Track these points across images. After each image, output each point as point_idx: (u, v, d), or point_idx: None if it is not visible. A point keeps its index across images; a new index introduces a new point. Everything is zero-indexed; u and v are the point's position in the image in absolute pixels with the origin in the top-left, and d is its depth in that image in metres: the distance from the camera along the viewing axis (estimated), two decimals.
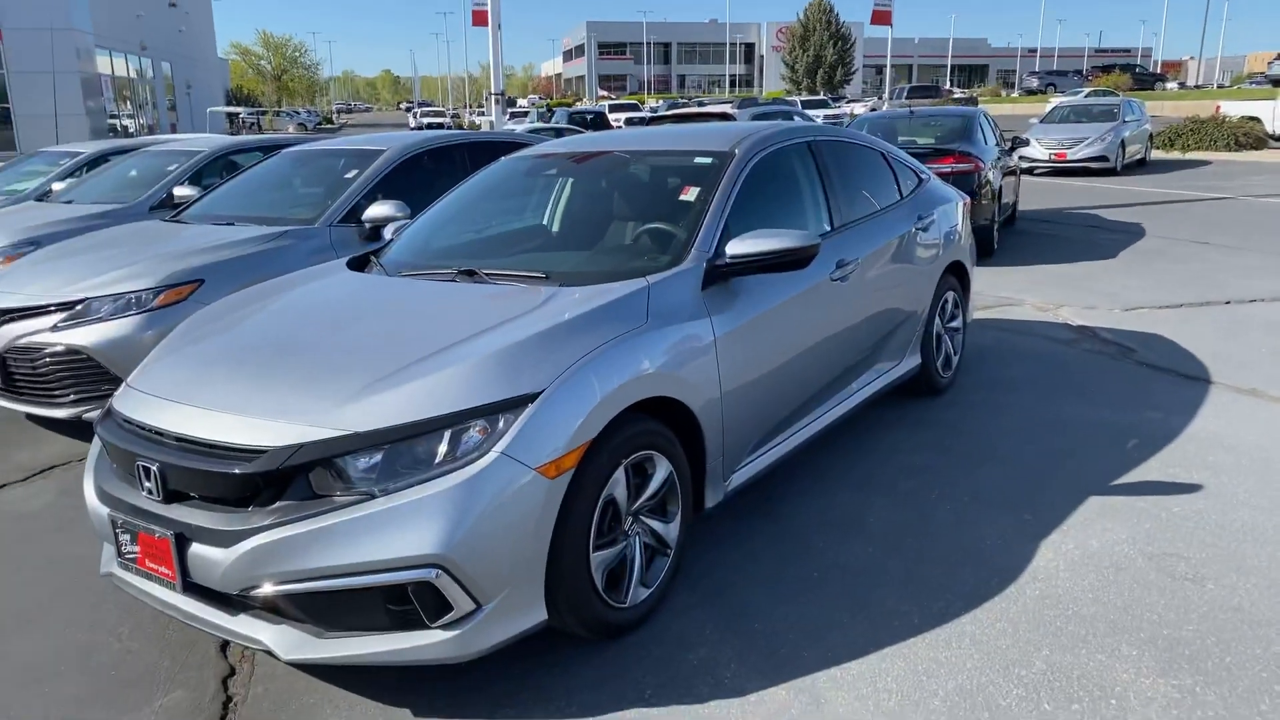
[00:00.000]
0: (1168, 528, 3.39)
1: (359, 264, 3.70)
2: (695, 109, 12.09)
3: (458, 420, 2.36)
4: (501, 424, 2.38)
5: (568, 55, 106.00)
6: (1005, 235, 10.67)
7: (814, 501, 3.73)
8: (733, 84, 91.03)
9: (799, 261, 3.20)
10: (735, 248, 3.16)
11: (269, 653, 2.37)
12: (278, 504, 2.33)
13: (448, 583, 2.28)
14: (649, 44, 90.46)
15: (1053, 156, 17.72)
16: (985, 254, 9.30)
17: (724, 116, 11.71)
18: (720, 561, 3.26)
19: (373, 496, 2.29)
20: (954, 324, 5.12)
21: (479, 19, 28.76)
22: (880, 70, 66.49)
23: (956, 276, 5.12)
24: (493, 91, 13.30)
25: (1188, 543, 3.27)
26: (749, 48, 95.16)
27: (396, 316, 2.94)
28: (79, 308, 4.59)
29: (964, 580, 3.08)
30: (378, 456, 2.33)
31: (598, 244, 3.61)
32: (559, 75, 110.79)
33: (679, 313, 2.98)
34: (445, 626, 2.33)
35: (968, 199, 5.47)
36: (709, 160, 3.64)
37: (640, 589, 2.82)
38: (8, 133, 27.08)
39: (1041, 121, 19.36)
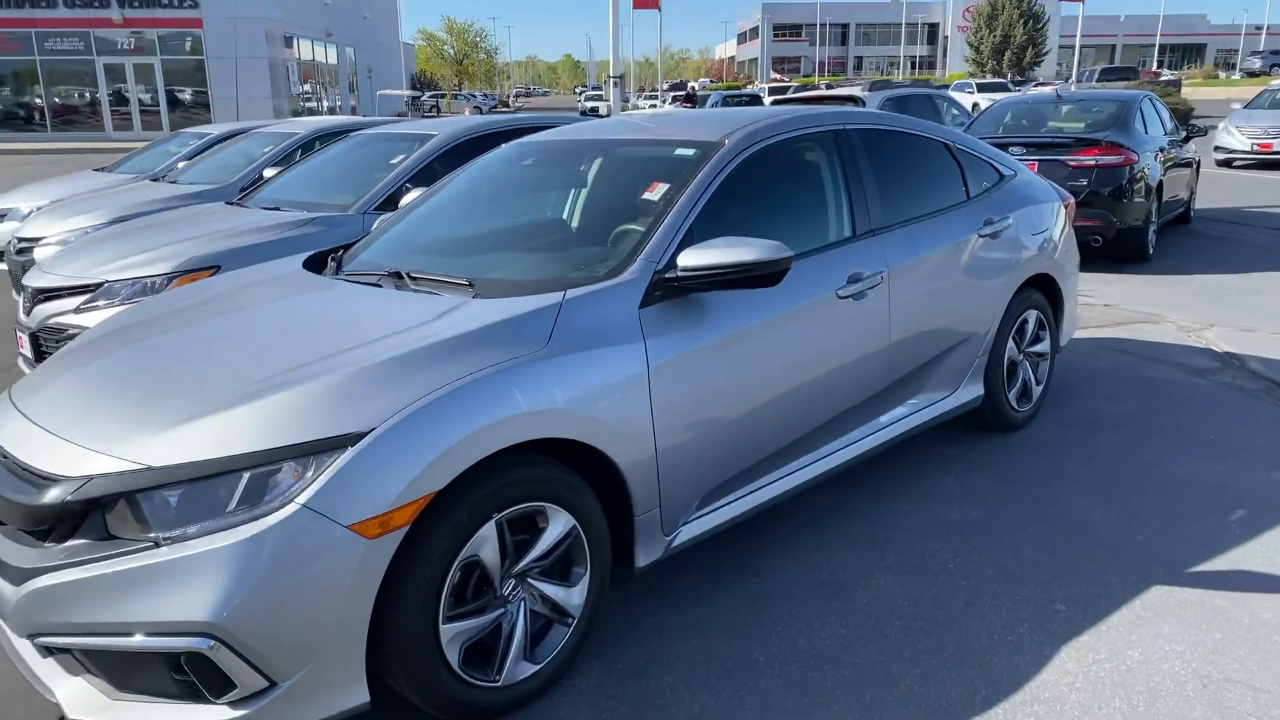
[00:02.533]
0: (1244, 642, 2.60)
1: (319, 261, 3.41)
2: (819, 92, 11.25)
3: (261, 461, 1.99)
4: (312, 470, 2.00)
5: (741, 38, 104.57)
6: (1172, 237, 9.33)
7: (804, 559, 3.14)
8: (913, 66, 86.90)
9: (766, 278, 2.64)
10: (688, 259, 2.64)
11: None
12: (70, 543, 2.05)
13: (226, 656, 1.92)
14: (824, 25, 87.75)
15: (1256, 147, 15.58)
16: (1138, 260, 8.13)
17: (851, 100, 10.86)
18: (659, 628, 2.76)
19: (156, 545, 1.96)
20: (1037, 349, 4.32)
21: (641, 2, 28.64)
22: (1083, 50, 61.58)
23: (1044, 292, 4.31)
24: (611, 75, 12.95)
25: (1265, 667, 2.48)
26: (932, 28, 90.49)
27: (284, 330, 2.61)
28: (100, 290, 4.59)
29: (944, 688, 2.44)
30: (174, 498, 2.00)
31: (541, 247, 3.15)
32: (732, 58, 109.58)
33: (601, 335, 2.49)
34: (233, 704, 1.98)
35: (1070, 200, 4.61)
36: (691, 152, 3.10)
37: (523, 665, 2.38)
38: (205, 115, 29.30)
39: (1246, 107, 17.05)
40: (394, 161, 5.55)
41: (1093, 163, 7.74)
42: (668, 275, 2.66)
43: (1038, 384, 4.35)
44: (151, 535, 1.97)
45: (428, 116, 50.11)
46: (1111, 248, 7.98)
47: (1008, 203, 4.07)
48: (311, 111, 33.63)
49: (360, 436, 2.03)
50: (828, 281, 3.11)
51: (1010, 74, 57.82)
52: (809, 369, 3.04)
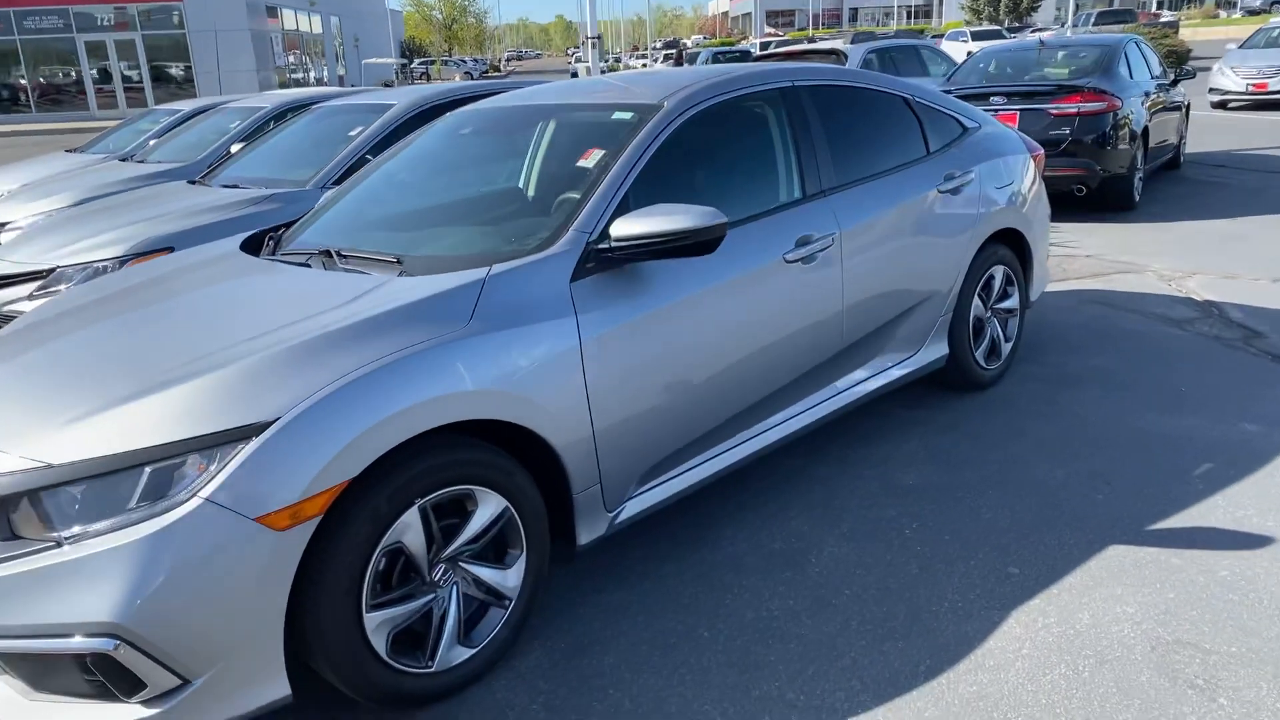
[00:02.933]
0: (1198, 601, 2.55)
1: (258, 241, 3.33)
2: (802, 47, 11.01)
3: (163, 455, 1.93)
4: (216, 462, 1.94)
5: None
6: (1160, 184, 9.18)
7: (759, 527, 3.09)
8: (909, 16, 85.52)
9: (702, 245, 2.55)
10: (620, 228, 2.55)
11: None
12: None
13: (132, 655, 1.88)
14: None
15: (1250, 87, 15.33)
16: (1123, 208, 8.00)
17: (834, 54, 10.64)
18: (606, 606, 2.71)
19: (59, 545, 1.91)
20: (1005, 305, 4.23)
21: None
22: None
23: (1011, 247, 4.21)
24: (588, 35, 12.70)
25: (1217, 627, 2.43)
26: None
27: (202, 316, 2.52)
28: (52, 275, 4.51)
29: (888, 659, 2.40)
30: (76, 495, 1.94)
31: (477, 220, 3.06)
32: (725, 14, 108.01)
33: (529, 311, 2.41)
34: (145, 703, 1.94)
35: (1039, 152, 4.49)
36: (628, 116, 3.00)
37: (458, 649, 2.34)
38: (190, 91, 28.95)
39: (1241, 47, 16.74)
40: (352, 134, 5.43)
41: (1075, 110, 7.58)
42: (601, 246, 2.58)
43: (1007, 341, 4.27)
44: (54, 535, 1.92)
45: (416, 84, 49.34)
46: (1096, 197, 7.85)
47: (971, 156, 3.96)
48: (298, 83, 33.21)
49: (265, 426, 1.97)
50: (774, 246, 3.03)
51: (1007, 21, 56.94)
52: (756, 336, 2.96)
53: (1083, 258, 6.59)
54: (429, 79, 55.01)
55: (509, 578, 2.42)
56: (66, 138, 21.21)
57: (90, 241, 4.61)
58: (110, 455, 1.93)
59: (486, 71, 64.68)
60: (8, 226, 6.47)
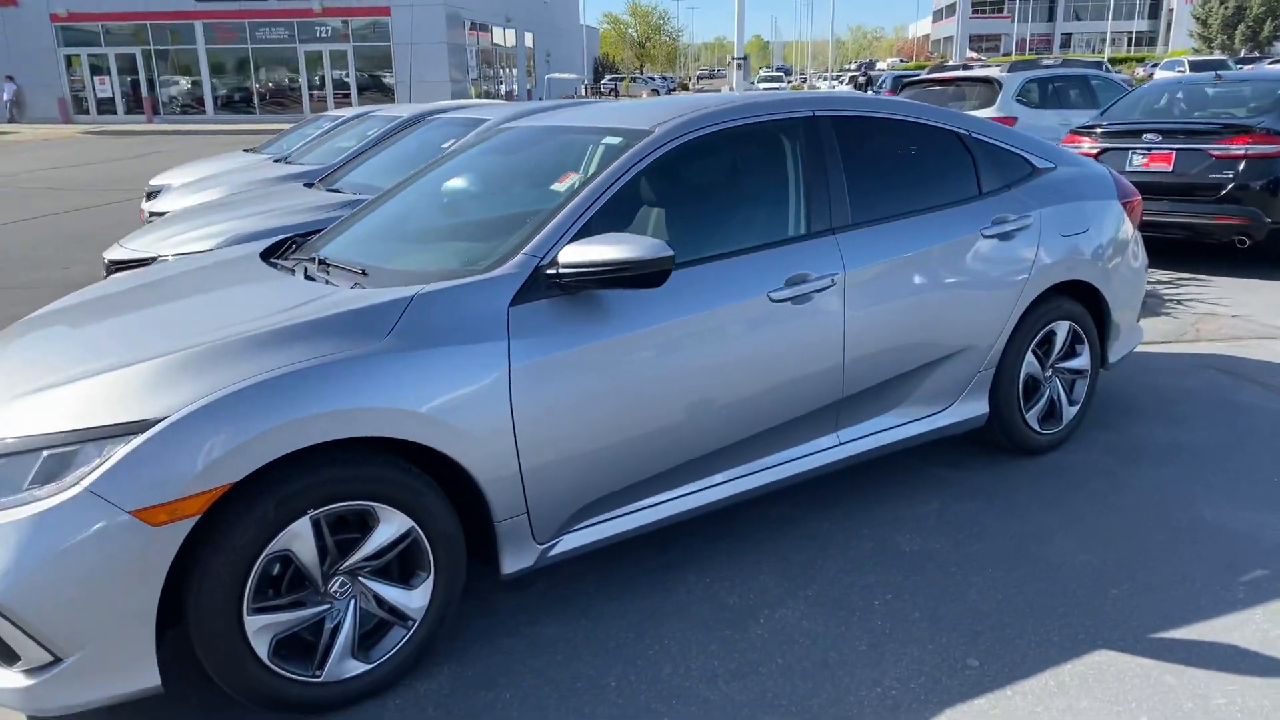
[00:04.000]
0: None
1: (282, 246, 3.49)
2: (952, 74, 10.41)
3: (60, 442, 2.05)
4: (103, 454, 2.03)
5: (937, 15, 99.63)
6: None
7: (723, 576, 2.93)
8: (1131, 42, 79.79)
9: (646, 278, 2.47)
10: (569, 255, 2.50)
11: None
12: None
13: (7, 628, 2.00)
14: None
15: None
16: None
17: (985, 81, 10.05)
18: (533, 638, 2.65)
19: None
20: (1071, 364, 3.83)
21: None
22: None
23: (1084, 301, 3.81)
24: (735, 56, 12.56)
25: None
26: (1154, 0, 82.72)
27: (169, 316, 2.60)
28: (154, 264, 4.93)
29: None
30: None
31: (459, 236, 3.05)
32: (926, 36, 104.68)
33: (459, 332, 2.40)
34: (26, 673, 2.06)
35: (1135, 197, 4.04)
36: (616, 141, 2.94)
37: (351, 662, 2.34)
38: (391, 98, 31.10)
39: None
40: (444, 146, 5.64)
41: (1242, 152, 6.80)
42: (550, 272, 2.53)
43: (1072, 404, 3.86)
44: None
45: (604, 99, 50.80)
46: (1260, 250, 7.00)
47: (1035, 199, 3.62)
48: (487, 94, 35.01)
49: (152, 424, 2.05)
50: (758, 283, 2.87)
51: (1244, 49, 52.07)
52: (728, 377, 2.81)
53: (1226, 318, 5.88)
54: (617, 95, 56.57)
55: (413, 598, 2.41)
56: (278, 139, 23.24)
57: (192, 234, 5.01)
58: (16, 438, 2.07)
59: (674, 89, 65.74)
60: (165, 217, 7.16)
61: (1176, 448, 3.85)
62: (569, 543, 2.66)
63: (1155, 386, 4.61)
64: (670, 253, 2.46)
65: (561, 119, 3.46)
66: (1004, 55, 73.83)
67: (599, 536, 2.71)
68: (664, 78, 65.24)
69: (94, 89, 32.39)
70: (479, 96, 34.29)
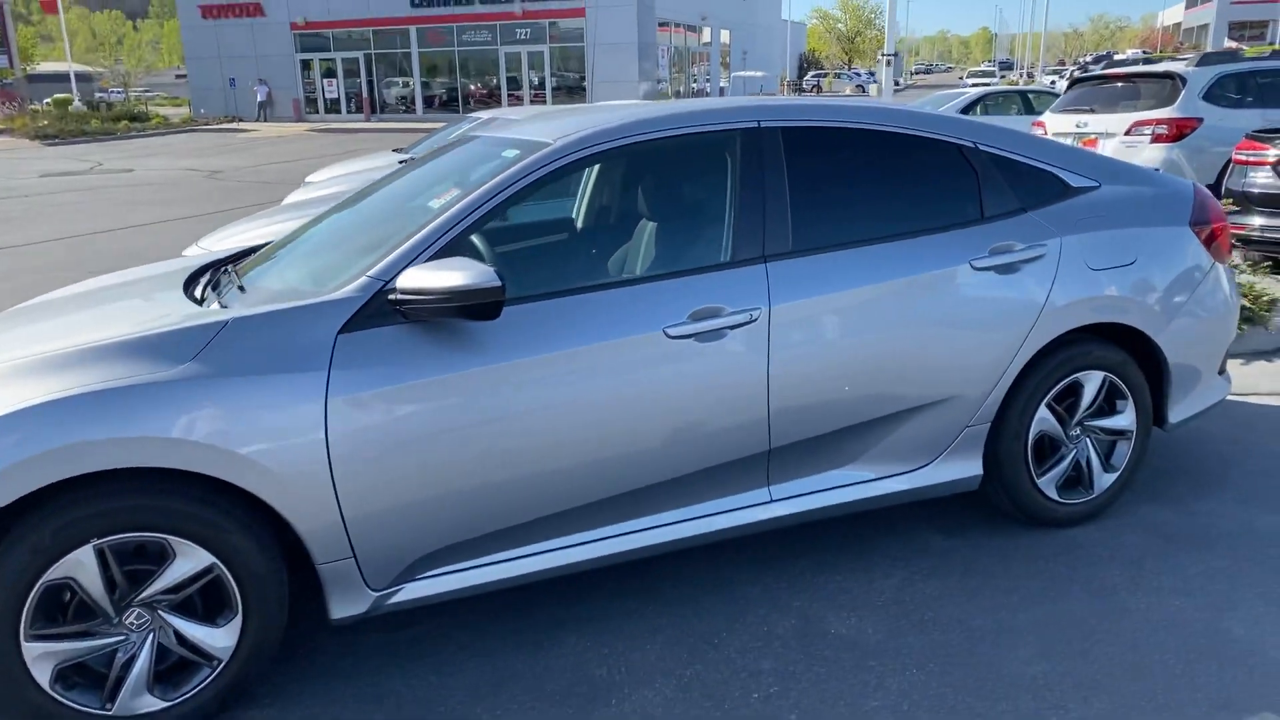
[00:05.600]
0: None
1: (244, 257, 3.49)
2: (1128, 69, 9.09)
3: None
4: None
5: (1191, 1, 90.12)
6: None
7: (599, 645, 2.63)
8: None
9: (477, 309, 2.23)
10: (407, 279, 2.30)
11: None
12: None
13: None
14: None
15: None
16: None
17: (1169, 76, 8.76)
18: (364, 693, 2.47)
19: None
20: (1106, 423, 3.17)
21: None
22: None
23: (1129, 348, 3.15)
24: (885, 53, 11.63)
25: None
26: None
27: (46, 330, 2.60)
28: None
29: None
30: None
31: (341, 255, 2.87)
32: (1177, 25, 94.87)
33: (274, 360, 2.25)
34: None
35: (1216, 224, 3.29)
36: (513, 154, 2.69)
37: (146, 698, 2.25)
38: (583, 98, 31.89)
39: None
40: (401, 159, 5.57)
41: None
42: (392, 297, 2.34)
43: (1108, 471, 3.21)
44: None
45: (804, 93, 49.41)
46: None
47: (1058, 224, 3.01)
48: (677, 94, 35.12)
49: None
50: (653, 316, 2.53)
51: None
52: (610, 422, 2.50)
53: None
54: (819, 92, 55.23)
55: (219, 637, 2.29)
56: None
57: (284, 226, 5.20)
58: None
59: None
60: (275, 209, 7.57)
61: (1244, 535, 3.11)
62: (415, 591, 2.46)
63: (1254, 451, 3.78)
64: (498, 283, 2.21)
65: (514, 130, 3.24)
66: (1268, 45, 65.66)
67: (455, 587, 2.49)
68: (870, 73, 63.05)
69: (323, 90, 35.38)
70: (671, 97, 34.46)
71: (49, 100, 39.39)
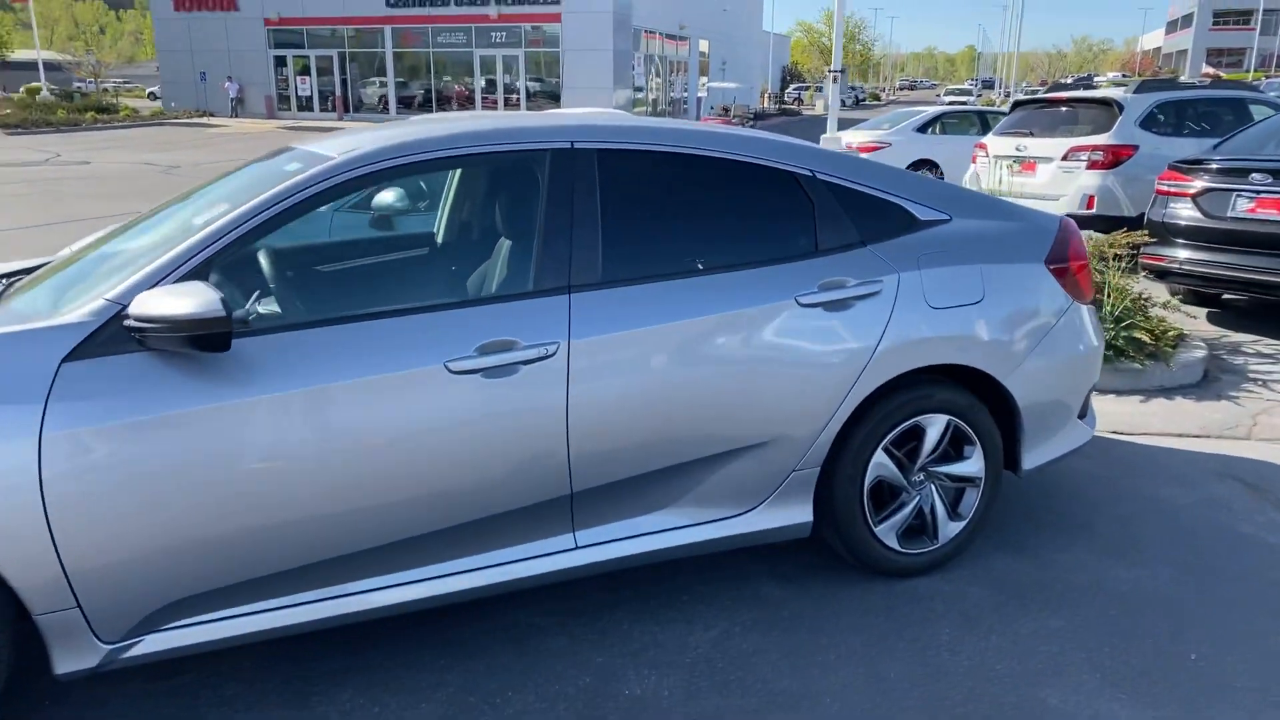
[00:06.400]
0: None
1: None
2: (1067, 95, 8.97)
3: None
4: None
5: (1171, 26, 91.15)
6: None
7: (378, 700, 2.43)
8: None
9: (200, 339, 2.04)
10: (140, 304, 2.10)
11: None
12: None
13: None
14: None
15: None
16: None
17: (1104, 103, 8.67)
18: None
19: None
20: (953, 469, 3.01)
21: None
22: None
23: (978, 390, 3.00)
24: (831, 69, 11.48)
25: None
26: None
27: None
28: None
29: None
30: None
31: (88, 276, 2.63)
32: (1158, 49, 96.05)
33: None
34: None
35: (1075, 262, 3.14)
36: (294, 168, 2.50)
37: None
38: (557, 105, 31.70)
39: None
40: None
41: None
42: (126, 324, 2.14)
43: (955, 520, 3.04)
44: None
45: (787, 108, 49.40)
46: None
47: (899, 259, 2.85)
48: (654, 103, 35.04)
49: None
50: (436, 349, 2.34)
51: None
52: (374, 462, 2.31)
53: None
54: (800, 104, 55.36)
55: None
56: None
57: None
58: None
59: (863, 100, 63.67)
60: None
61: (1091, 591, 2.95)
62: (157, 644, 2.25)
63: (1127, 496, 3.63)
64: (221, 313, 2.01)
65: (316, 144, 3.03)
66: (1244, 72, 66.54)
67: (205, 639, 2.28)
68: (852, 87, 63.33)
69: (296, 88, 35.02)
70: (644, 105, 34.36)
71: (23, 89, 38.82)
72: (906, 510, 2.97)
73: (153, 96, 47.47)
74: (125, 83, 65.27)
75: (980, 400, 2.99)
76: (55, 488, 2.06)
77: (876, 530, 2.93)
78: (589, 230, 2.56)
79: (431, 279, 2.51)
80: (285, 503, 2.25)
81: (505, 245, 2.53)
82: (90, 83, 47.78)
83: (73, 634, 2.17)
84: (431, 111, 32.99)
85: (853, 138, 13.75)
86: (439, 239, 2.60)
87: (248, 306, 2.30)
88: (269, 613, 2.34)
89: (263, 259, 2.60)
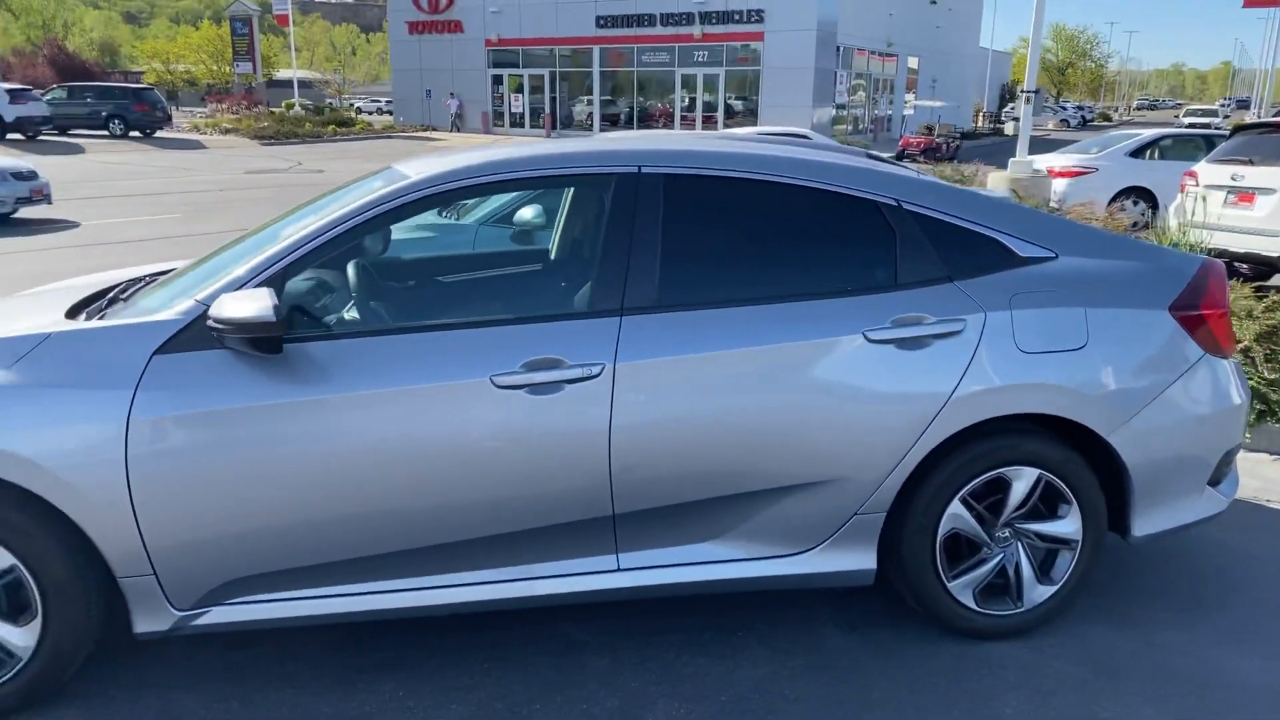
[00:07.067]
0: None
1: None
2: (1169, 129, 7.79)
3: None
4: None
5: None
6: None
7: (410, 697, 2.53)
8: None
9: (257, 341, 2.24)
10: (220, 305, 2.31)
11: None
12: None
13: None
14: None
15: None
16: None
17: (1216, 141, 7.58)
18: (168, 708, 2.50)
19: None
20: (1044, 528, 2.75)
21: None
22: None
23: (1077, 444, 2.73)
24: (1024, 89, 10.62)
25: None
26: None
27: None
28: None
29: None
30: None
31: (198, 277, 2.84)
32: None
33: (84, 376, 2.31)
34: None
35: (1211, 310, 2.80)
36: (377, 185, 2.65)
37: None
38: (752, 121, 31.71)
39: None
40: None
41: None
42: (208, 323, 2.36)
43: (1045, 583, 2.78)
44: None
45: (999, 128, 46.77)
46: None
47: (989, 298, 2.65)
48: (856, 120, 34.33)
49: None
50: (484, 363, 2.42)
51: None
52: (421, 466, 2.41)
53: None
54: (1015, 123, 52.28)
55: (19, 636, 2.37)
56: None
57: None
58: None
59: (1091, 120, 59.37)
60: None
61: (1205, 685, 2.61)
62: (222, 615, 2.46)
63: (1271, 573, 3.18)
64: (271, 319, 2.18)
65: (407, 165, 3.18)
66: None
67: (266, 616, 2.48)
68: (1079, 107, 59.19)
69: (510, 105, 37.07)
70: (845, 123, 33.73)
71: (284, 104, 43.42)
72: (986, 567, 2.75)
73: (379, 111, 51.60)
74: (372, 99, 71.51)
75: (1080, 455, 2.73)
76: (138, 466, 2.30)
77: (950, 586, 2.73)
78: (648, 254, 2.56)
79: (497, 296, 2.60)
80: (338, 497, 2.40)
81: (563, 265, 2.58)
82: (336, 99, 52.77)
83: (150, 598, 2.41)
84: (633, 129, 33.95)
85: (1053, 162, 12.83)
86: (512, 259, 2.69)
87: (317, 313, 2.47)
88: (325, 599, 2.49)
89: (348, 269, 2.78)
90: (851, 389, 2.57)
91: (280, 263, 2.45)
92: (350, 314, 2.68)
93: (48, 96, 27.99)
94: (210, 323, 2.32)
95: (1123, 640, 2.81)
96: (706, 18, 31.50)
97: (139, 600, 2.41)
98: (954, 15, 41.86)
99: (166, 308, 2.47)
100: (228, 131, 30.49)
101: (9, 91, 25.12)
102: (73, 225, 11.81)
